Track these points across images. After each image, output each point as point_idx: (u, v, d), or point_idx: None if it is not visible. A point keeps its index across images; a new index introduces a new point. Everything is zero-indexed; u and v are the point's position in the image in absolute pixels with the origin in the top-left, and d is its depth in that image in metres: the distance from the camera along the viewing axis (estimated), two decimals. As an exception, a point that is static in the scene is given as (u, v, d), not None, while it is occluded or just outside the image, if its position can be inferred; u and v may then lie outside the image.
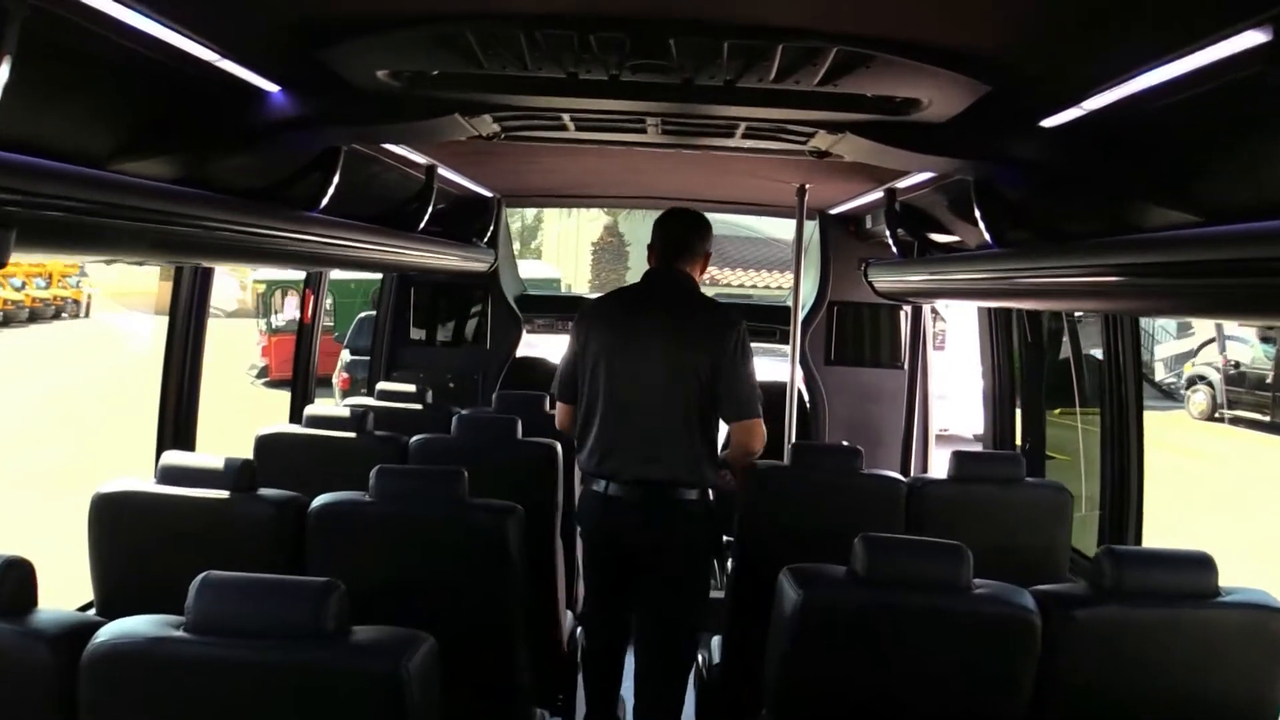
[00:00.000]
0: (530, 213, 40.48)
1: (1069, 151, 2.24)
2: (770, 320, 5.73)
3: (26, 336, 18.27)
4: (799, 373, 5.25)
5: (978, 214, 2.83)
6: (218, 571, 1.69)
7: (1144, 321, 6.14)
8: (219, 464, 2.55)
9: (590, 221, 25.20)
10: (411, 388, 4.39)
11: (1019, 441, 4.33)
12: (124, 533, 2.52)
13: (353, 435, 3.45)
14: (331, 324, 16.87)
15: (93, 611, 2.52)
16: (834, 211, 5.02)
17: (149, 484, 2.54)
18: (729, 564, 3.53)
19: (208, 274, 3.29)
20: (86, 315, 22.88)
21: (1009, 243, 2.82)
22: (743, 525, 3.20)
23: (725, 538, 3.34)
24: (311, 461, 3.37)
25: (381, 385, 4.42)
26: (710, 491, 3.14)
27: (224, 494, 2.50)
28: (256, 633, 1.62)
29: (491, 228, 5.19)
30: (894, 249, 3.91)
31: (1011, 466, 3.17)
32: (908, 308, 5.27)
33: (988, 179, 2.71)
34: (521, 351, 5.78)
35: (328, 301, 16.28)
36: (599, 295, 3.58)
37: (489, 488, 2.68)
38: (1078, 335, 4.29)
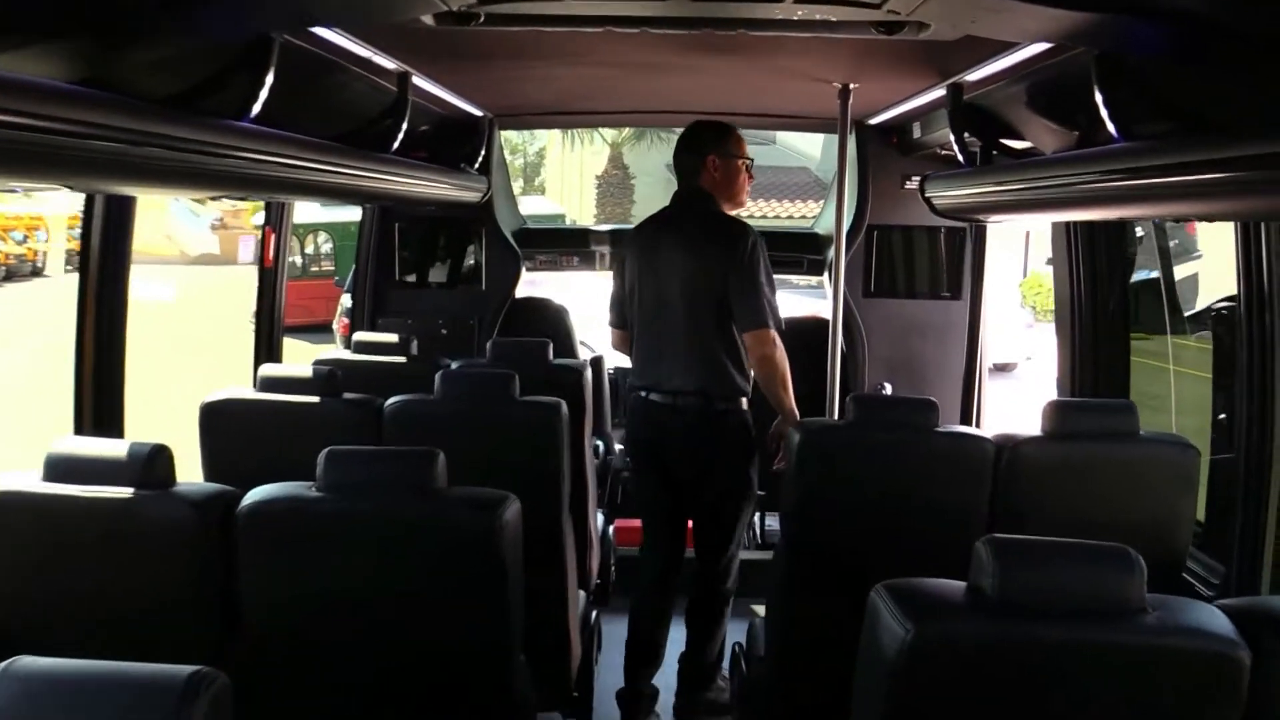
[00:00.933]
0: (532, 148, 39.82)
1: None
2: (795, 249, 5.11)
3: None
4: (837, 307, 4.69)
5: (1098, 99, 2.20)
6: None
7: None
8: (122, 452, 1.98)
9: (594, 155, 24.43)
10: (393, 338, 3.80)
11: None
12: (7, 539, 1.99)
13: (317, 399, 2.94)
14: (333, 268, 16.39)
15: None
16: (875, 121, 4.35)
17: (35, 482, 1.99)
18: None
19: (124, 209, 2.66)
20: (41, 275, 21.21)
21: (1137, 136, 2.19)
22: (792, 496, 2.63)
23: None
24: (269, 433, 2.90)
25: (359, 336, 3.83)
26: (744, 401, 3.29)
27: (127, 492, 1.97)
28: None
29: (483, 152, 4.55)
30: (960, 157, 3.27)
31: (1125, 418, 2.58)
32: (963, 229, 4.65)
33: (1120, 44, 2.07)
34: (523, 291, 5.18)
35: (326, 245, 15.75)
36: (636, 224, 3.67)
37: (479, 463, 2.34)
38: (1169, 253, 3.67)
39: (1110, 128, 2.21)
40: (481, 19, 2.28)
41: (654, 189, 21.62)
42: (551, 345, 3.72)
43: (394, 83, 3.20)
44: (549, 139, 29.92)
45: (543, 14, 2.36)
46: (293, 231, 4.42)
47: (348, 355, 3.76)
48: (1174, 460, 2.56)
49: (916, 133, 4.19)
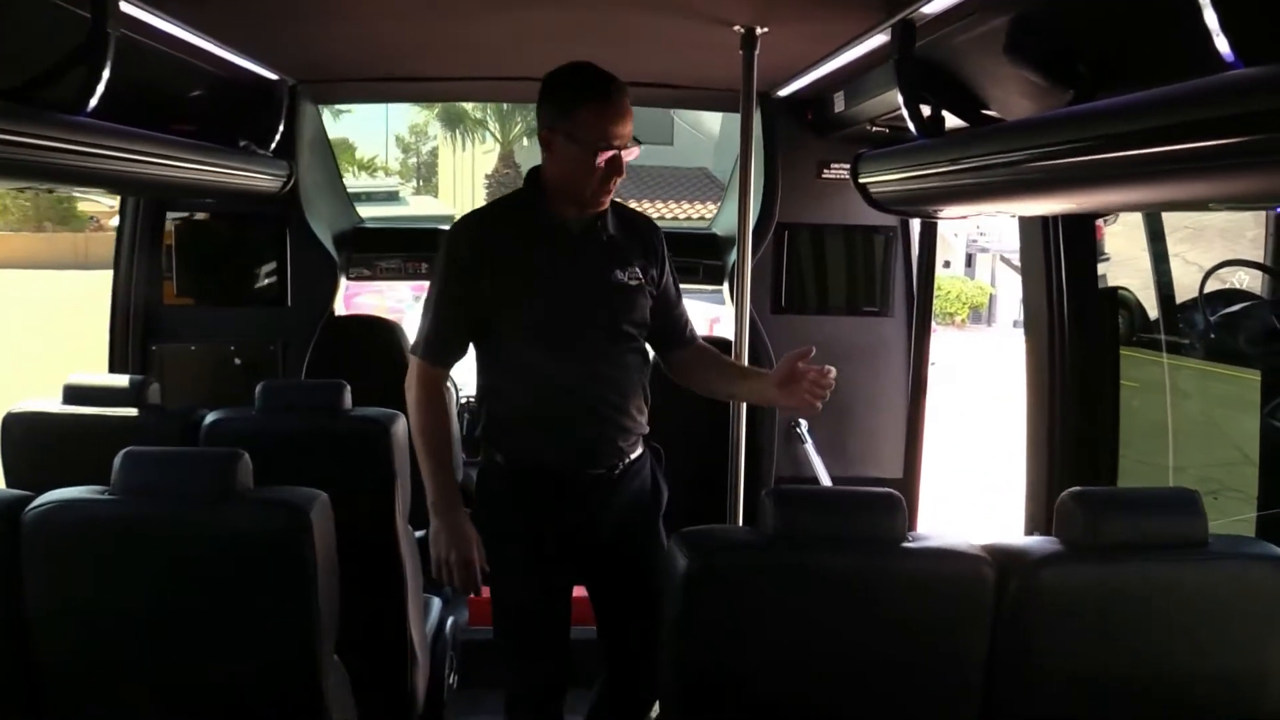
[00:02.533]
0: (426, 146, 38.36)
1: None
2: (691, 253, 4.16)
3: None
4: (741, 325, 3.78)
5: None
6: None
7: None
8: None
9: (486, 154, 23.37)
10: (119, 382, 2.73)
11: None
12: None
13: (133, 412, 2.69)
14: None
15: None
16: (786, 91, 3.41)
17: None
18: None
19: None
20: None
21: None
22: (674, 669, 1.70)
23: None
24: (75, 448, 2.59)
25: (75, 379, 2.73)
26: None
27: None
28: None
29: (282, 127, 3.48)
30: (910, 126, 2.34)
31: (1187, 519, 1.68)
32: (891, 229, 3.75)
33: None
34: (355, 307, 4.12)
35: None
36: None
37: (308, 478, 2.11)
38: (1164, 238, 2.83)
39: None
40: None
41: (547, 189, 20.65)
42: (349, 390, 2.70)
43: (84, 6, 2.14)
44: (440, 137, 28.69)
45: None
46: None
47: (51, 408, 2.67)
48: (1264, 579, 1.67)
49: (838, 105, 3.26)
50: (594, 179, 2.21)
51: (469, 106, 21.15)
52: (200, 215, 3.72)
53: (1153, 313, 4.17)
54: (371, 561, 2.67)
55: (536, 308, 2.25)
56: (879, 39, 2.44)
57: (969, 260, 21.53)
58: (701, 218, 19.01)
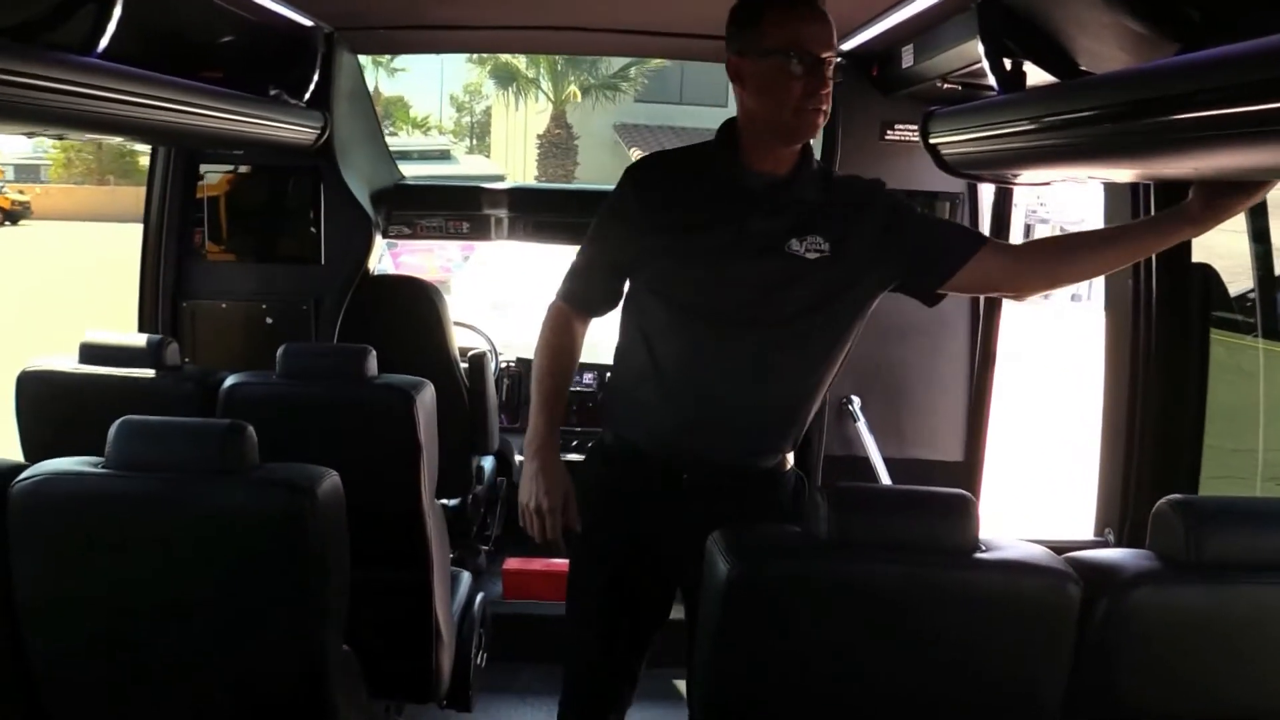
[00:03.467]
0: (480, 106, 38.22)
1: None
2: None
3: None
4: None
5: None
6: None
7: None
8: None
9: (538, 114, 23.14)
10: (136, 342, 2.61)
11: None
12: None
13: (150, 374, 2.59)
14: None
15: None
16: (850, 45, 3.17)
17: None
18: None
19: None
20: (14, 223, 23.19)
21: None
22: (707, 680, 1.52)
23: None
24: (90, 409, 2.38)
25: (91, 336, 2.63)
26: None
27: None
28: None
29: (317, 77, 3.32)
30: (991, 80, 2.11)
31: None
32: (956, 194, 3.51)
33: None
34: (388, 266, 3.99)
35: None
36: None
37: (331, 447, 2.16)
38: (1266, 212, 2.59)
39: None
40: None
41: (598, 151, 20.37)
42: (375, 356, 2.56)
43: None
44: (495, 97, 28.51)
45: None
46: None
47: (66, 366, 2.57)
48: None
49: (906, 60, 3.02)
50: (793, 96, 1.86)
51: (521, 64, 20.93)
52: (235, 168, 3.59)
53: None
54: (394, 537, 2.54)
55: (679, 264, 1.96)
56: (960, -16, 2.21)
57: (1026, 231, 21.01)
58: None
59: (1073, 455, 7.45)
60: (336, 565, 1.82)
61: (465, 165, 22.91)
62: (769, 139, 1.95)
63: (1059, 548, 1.60)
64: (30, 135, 2.34)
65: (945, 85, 2.89)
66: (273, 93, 3.06)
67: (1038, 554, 1.48)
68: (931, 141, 2.40)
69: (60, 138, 2.47)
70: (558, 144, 21.04)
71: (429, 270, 11.93)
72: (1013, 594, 1.44)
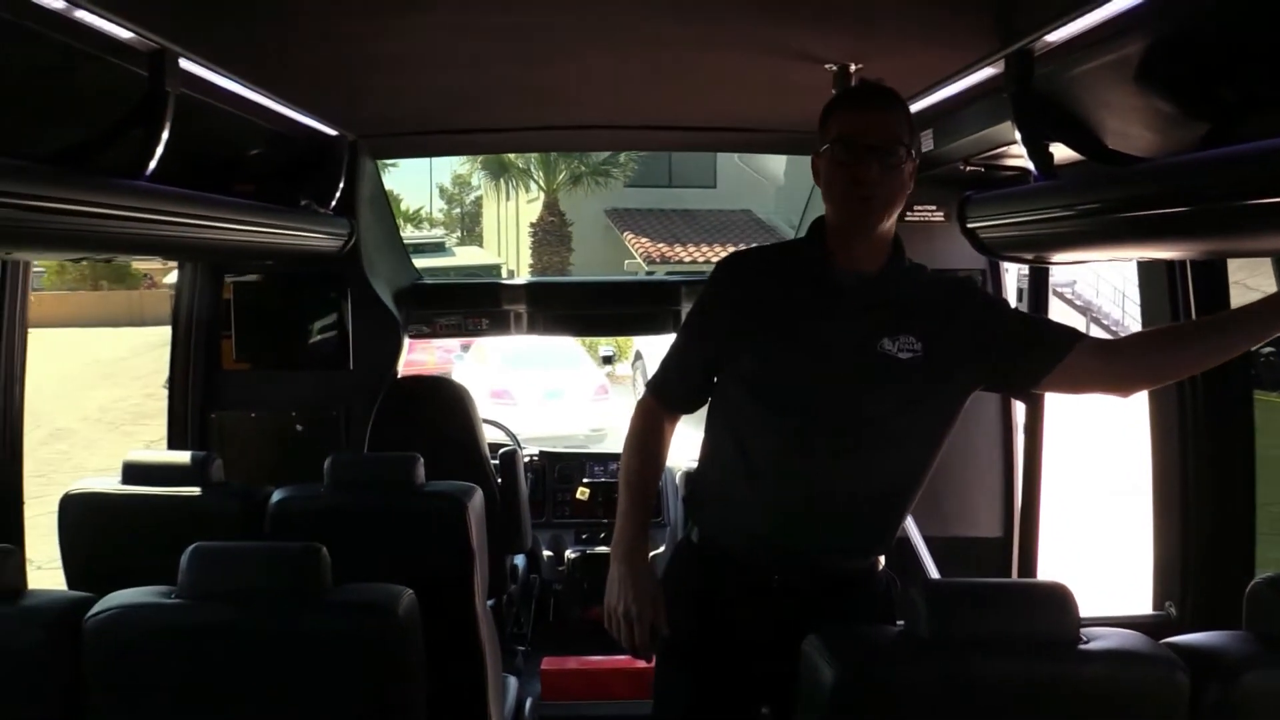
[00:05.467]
0: (470, 197, 38.64)
1: None
2: None
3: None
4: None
5: None
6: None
7: None
8: None
9: (530, 202, 23.41)
10: (180, 459, 2.60)
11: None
12: None
13: (195, 491, 2.55)
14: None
15: None
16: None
17: None
18: None
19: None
20: None
21: None
22: None
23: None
24: (135, 530, 2.52)
25: (134, 456, 2.61)
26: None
27: None
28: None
29: (343, 184, 3.36)
30: (1031, 166, 2.14)
31: None
32: (978, 274, 3.54)
33: None
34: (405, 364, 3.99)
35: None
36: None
37: (381, 558, 2.19)
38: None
39: None
40: None
41: (591, 237, 20.57)
42: (422, 463, 2.55)
43: (143, 66, 2.02)
44: (484, 187, 28.88)
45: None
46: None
47: (109, 487, 2.55)
48: None
49: (927, 144, 3.07)
50: (838, 185, 1.87)
51: (512, 156, 21.27)
52: (258, 276, 3.61)
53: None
54: (451, 644, 2.50)
55: (770, 364, 1.93)
56: (986, 72, 2.26)
57: (1020, 295, 21.16)
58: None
59: (1095, 525, 7.40)
60: (417, 681, 1.80)
61: (461, 256, 23.12)
62: (835, 234, 1.95)
63: (1127, 624, 1.57)
64: (76, 261, 2.37)
65: (968, 168, 2.94)
66: (303, 203, 3.10)
67: (1140, 642, 1.44)
68: (970, 225, 2.43)
69: (108, 260, 2.48)
70: (551, 232, 21.24)
71: (430, 364, 11.97)
72: (1121, 686, 1.41)
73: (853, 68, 2.37)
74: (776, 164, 18.89)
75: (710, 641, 1.98)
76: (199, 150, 2.77)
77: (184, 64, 2.09)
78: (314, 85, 2.69)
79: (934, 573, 3.36)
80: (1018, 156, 2.78)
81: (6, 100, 1.94)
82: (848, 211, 1.91)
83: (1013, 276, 3.52)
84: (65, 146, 2.00)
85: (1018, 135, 2.11)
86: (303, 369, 3.64)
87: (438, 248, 21.55)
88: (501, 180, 22.50)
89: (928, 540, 3.46)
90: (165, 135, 2.05)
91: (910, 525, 3.49)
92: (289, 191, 3.08)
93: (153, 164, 2.06)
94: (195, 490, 2.53)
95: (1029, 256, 2.42)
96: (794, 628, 1.57)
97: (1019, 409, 3.59)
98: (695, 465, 2.20)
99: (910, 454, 1.95)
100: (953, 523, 3.57)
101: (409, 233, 29.02)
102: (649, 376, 2.12)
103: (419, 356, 11.16)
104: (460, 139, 3.62)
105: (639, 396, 2.13)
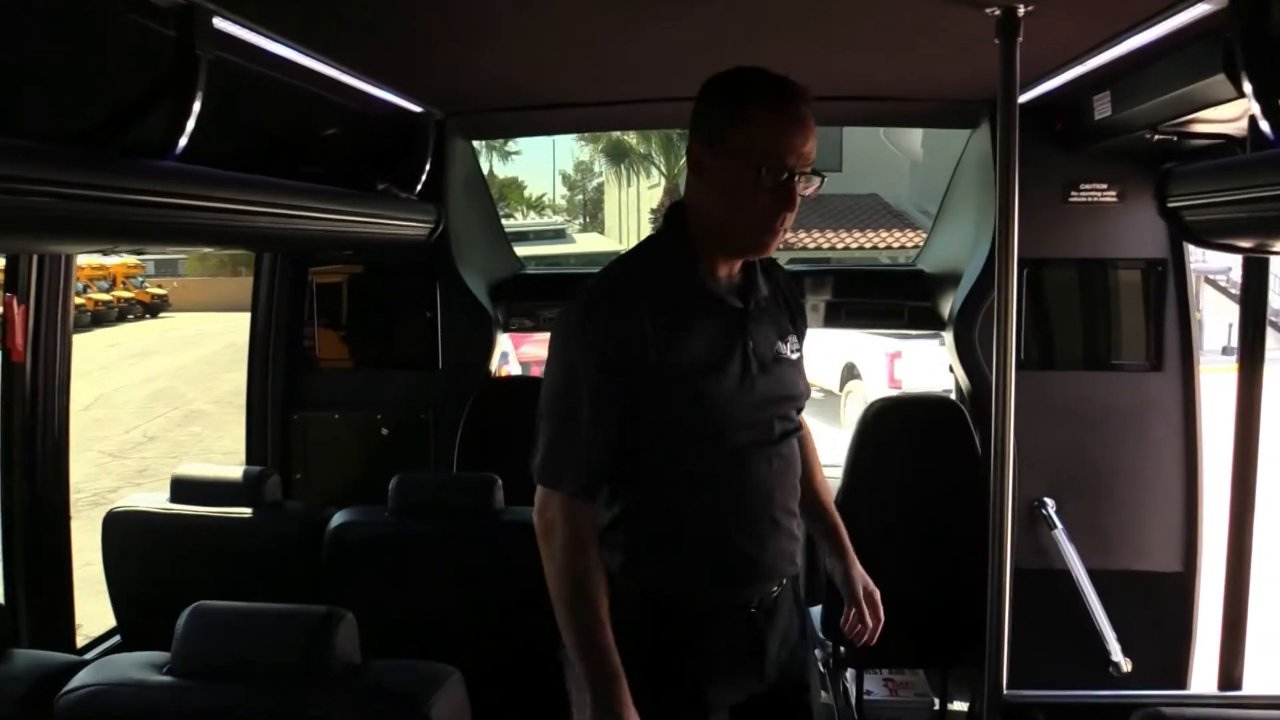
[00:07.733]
0: (591, 183, 38.63)
1: None
2: (890, 294, 3.56)
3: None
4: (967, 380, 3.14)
5: None
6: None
7: None
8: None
9: (651, 188, 23.20)
10: (232, 475, 2.34)
11: None
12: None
13: (247, 512, 2.34)
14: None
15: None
16: (1031, 95, 2.72)
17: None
18: None
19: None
20: (154, 316, 24.41)
21: None
22: None
23: None
24: (183, 552, 2.34)
25: (185, 470, 2.36)
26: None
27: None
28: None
29: (429, 166, 3.05)
30: (1264, 127, 1.65)
31: None
32: (1160, 262, 3.02)
33: None
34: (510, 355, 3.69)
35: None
36: None
37: (451, 592, 2.08)
38: None
39: None
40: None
41: (713, 222, 20.16)
42: (500, 486, 2.22)
43: (169, 24, 1.72)
44: (605, 173, 28.77)
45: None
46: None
47: (155, 505, 2.31)
48: None
49: (1101, 109, 2.58)
50: (757, 209, 1.67)
51: (633, 140, 20.99)
52: (341, 268, 3.35)
53: None
54: (531, 691, 2.18)
55: (694, 400, 1.73)
56: (1197, 10, 1.78)
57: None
58: (874, 247, 18.09)
59: None
60: None
61: (581, 243, 22.99)
62: (712, 245, 1.75)
63: None
64: (105, 254, 2.12)
65: (1157, 137, 2.43)
66: (381, 187, 2.80)
67: None
68: (1172, 205, 1.94)
69: (139, 253, 2.24)
70: (671, 217, 20.96)
71: (515, 359, 11.75)
72: None
73: (1021, 10, 1.91)
74: (913, 138, 18.00)
75: (679, 682, 1.79)
76: (263, 132, 2.50)
77: (220, 23, 1.79)
78: (396, 59, 2.40)
79: (1100, 611, 2.88)
80: (1222, 121, 2.28)
81: (25, 76, 1.69)
82: (755, 241, 1.73)
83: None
84: (88, 125, 1.72)
85: (1246, 88, 1.62)
86: (390, 368, 3.36)
87: (558, 234, 21.45)
88: (622, 166, 22.30)
89: (1091, 574, 2.96)
90: (196, 107, 1.74)
91: (1071, 554, 3.00)
92: (366, 175, 2.78)
93: (182, 141, 1.76)
94: (247, 511, 2.27)
95: (1246, 244, 1.92)
96: (759, 644, 1.77)
97: (1206, 414, 3.06)
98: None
99: (798, 448, 1.91)
100: (1120, 553, 3.07)
101: (531, 219, 29.16)
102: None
103: (538, 351, 10.87)
104: (556, 115, 3.26)
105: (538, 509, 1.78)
